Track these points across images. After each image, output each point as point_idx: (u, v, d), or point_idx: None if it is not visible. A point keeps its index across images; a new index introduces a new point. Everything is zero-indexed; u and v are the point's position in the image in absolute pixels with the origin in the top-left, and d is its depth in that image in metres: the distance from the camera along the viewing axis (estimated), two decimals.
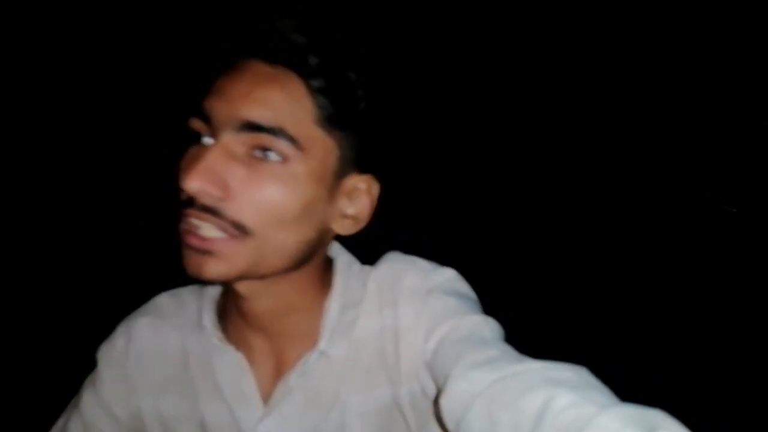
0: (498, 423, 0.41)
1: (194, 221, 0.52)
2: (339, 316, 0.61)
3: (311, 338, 0.61)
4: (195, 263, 0.52)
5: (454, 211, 3.52)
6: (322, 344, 0.59)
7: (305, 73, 0.52)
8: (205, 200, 0.51)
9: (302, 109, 0.52)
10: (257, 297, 0.58)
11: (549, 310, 3.11)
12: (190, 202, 0.51)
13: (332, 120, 0.53)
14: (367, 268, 0.65)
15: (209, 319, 0.63)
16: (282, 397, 0.60)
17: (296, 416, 0.60)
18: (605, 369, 0.53)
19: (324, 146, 0.53)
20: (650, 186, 3.77)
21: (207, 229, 0.52)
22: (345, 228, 0.59)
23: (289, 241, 0.54)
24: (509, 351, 0.50)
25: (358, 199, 0.59)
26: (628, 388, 0.44)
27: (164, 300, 0.70)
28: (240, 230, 0.52)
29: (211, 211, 0.51)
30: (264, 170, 0.51)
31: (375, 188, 0.60)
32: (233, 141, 0.51)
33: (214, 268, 0.52)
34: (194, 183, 0.49)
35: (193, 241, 0.52)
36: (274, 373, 0.62)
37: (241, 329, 0.62)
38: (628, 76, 3.61)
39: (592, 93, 3.65)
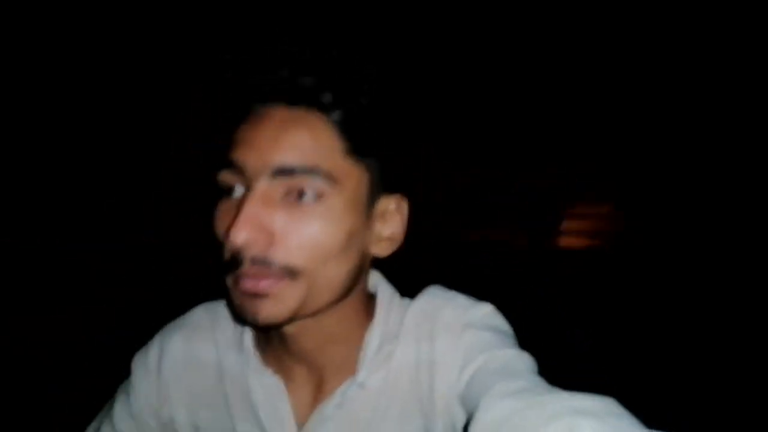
0: None
1: (246, 272, 0.52)
2: (377, 348, 0.62)
3: (349, 368, 0.62)
4: (250, 308, 0.53)
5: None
6: (361, 376, 0.60)
7: (324, 110, 0.53)
8: (253, 251, 0.52)
9: (329, 145, 0.53)
10: (303, 333, 0.59)
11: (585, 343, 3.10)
12: (237, 258, 0.52)
13: (357, 149, 0.55)
14: (406, 301, 0.66)
15: (249, 340, 0.65)
16: (317, 425, 0.61)
17: None
18: (638, 403, 0.53)
19: (355, 176, 0.55)
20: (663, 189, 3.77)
21: (247, 275, 0.53)
22: (383, 250, 0.61)
23: (336, 274, 0.55)
24: (539, 382, 0.51)
25: (392, 219, 0.60)
26: (659, 421, 0.44)
27: (200, 314, 0.71)
28: (291, 273, 0.53)
29: (260, 262, 0.52)
30: (303, 211, 0.52)
31: (405, 206, 0.61)
32: (269, 188, 0.52)
33: (269, 311, 0.53)
34: (240, 234, 0.50)
35: (248, 285, 0.53)
36: (311, 401, 0.63)
37: (281, 356, 0.63)
38: (639, 78, 3.61)
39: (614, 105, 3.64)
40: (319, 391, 0.62)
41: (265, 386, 0.62)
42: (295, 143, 0.52)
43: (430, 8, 3.11)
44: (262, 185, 0.52)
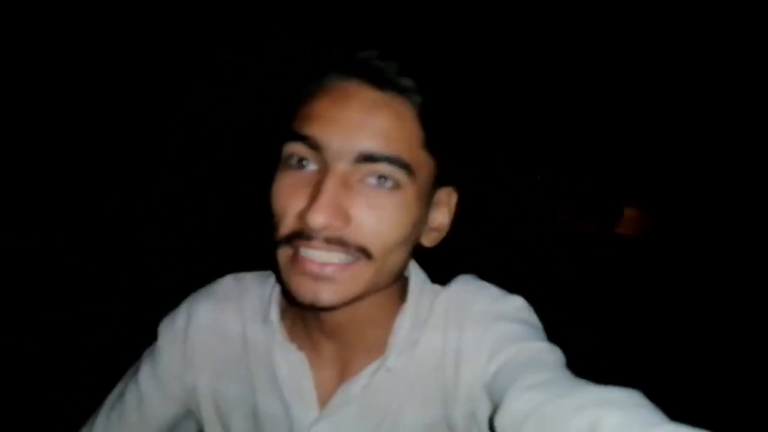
0: None
1: (312, 251, 0.52)
2: (408, 331, 0.62)
3: (377, 350, 0.62)
4: (311, 290, 0.53)
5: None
6: (390, 360, 0.60)
7: (408, 97, 0.53)
8: (328, 232, 0.51)
9: (411, 135, 0.53)
10: (342, 313, 0.59)
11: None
12: (307, 234, 0.52)
13: (434, 142, 0.55)
14: (437, 287, 0.66)
15: (275, 313, 0.64)
16: (341, 404, 0.61)
17: (350, 425, 0.61)
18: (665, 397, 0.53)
19: (427, 168, 0.55)
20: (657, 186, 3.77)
21: (327, 256, 0.52)
22: (431, 240, 0.61)
23: (398, 261, 0.56)
24: (566, 375, 0.51)
25: (441, 210, 0.61)
26: (685, 414, 0.44)
27: (228, 284, 0.70)
28: (364, 255, 0.53)
29: (336, 242, 0.52)
30: (381, 198, 0.53)
31: (454, 198, 0.62)
32: (350, 171, 0.52)
33: (331, 295, 0.53)
34: (320, 218, 0.50)
35: (312, 268, 0.52)
36: (335, 380, 0.63)
37: (311, 332, 0.63)
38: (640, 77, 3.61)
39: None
40: (345, 371, 0.63)
41: (290, 361, 0.62)
42: (381, 130, 0.51)
43: (434, 9, 3.12)
44: (343, 168, 0.51)
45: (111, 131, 2.85)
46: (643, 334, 3.07)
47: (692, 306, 3.25)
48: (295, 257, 0.53)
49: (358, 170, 0.52)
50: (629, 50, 3.46)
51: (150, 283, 2.74)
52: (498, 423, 0.48)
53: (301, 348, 0.63)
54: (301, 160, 0.53)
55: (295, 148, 0.53)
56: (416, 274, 0.66)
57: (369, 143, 0.51)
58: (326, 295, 0.52)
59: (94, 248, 2.79)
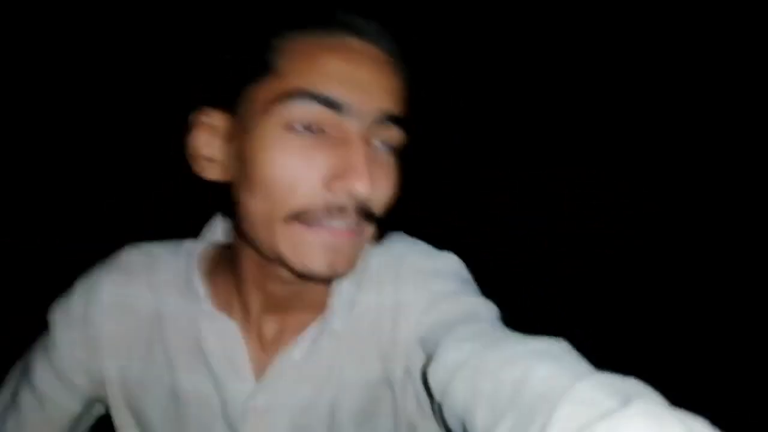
0: (479, 392, 0.41)
1: (341, 222, 0.49)
2: (349, 291, 0.60)
3: (315, 312, 0.60)
4: (328, 261, 0.50)
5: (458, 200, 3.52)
6: (335, 323, 0.58)
7: (402, 61, 0.53)
8: (362, 201, 0.50)
9: (404, 97, 0.53)
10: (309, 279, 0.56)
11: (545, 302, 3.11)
12: (335, 203, 0.49)
13: (410, 107, 0.55)
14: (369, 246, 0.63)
15: (198, 282, 0.60)
16: (280, 372, 0.58)
17: (290, 393, 0.58)
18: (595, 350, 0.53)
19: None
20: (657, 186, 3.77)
21: (355, 224, 0.50)
22: None
23: None
24: (499, 327, 0.51)
25: None
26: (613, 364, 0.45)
27: (132, 256, 0.64)
28: (370, 219, 0.52)
29: (365, 213, 0.50)
30: (388, 161, 0.52)
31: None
32: (374, 134, 0.50)
33: (346, 264, 0.51)
34: (368, 187, 0.47)
35: (341, 238, 0.49)
36: (271, 348, 0.59)
37: (247, 301, 0.59)
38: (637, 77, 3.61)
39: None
40: (281, 338, 0.60)
41: (220, 332, 0.58)
42: (396, 90, 0.50)
43: (433, 10, 3.11)
44: (369, 131, 0.49)
45: (111, 131, 2.84)
46: (642, 334, 3.06)
47: (692, 306, 3.25)
48: (314, 228, 0.49)
49: (378, 132, 0.51)
50: (628, 49, 3.46)
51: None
52: (430, 374, 0.48)
53: (231, 317, 0.59)
54: (308, 123, 0.49)
55: (308, 110, 0.48)
56: None
57: (390, 104, 0.50)
58: (342, 264, 0.50)
59: (94, 248, 2.78)
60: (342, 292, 0.59)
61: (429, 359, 0.50)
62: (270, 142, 0.48)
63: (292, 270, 0.52)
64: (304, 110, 0.48)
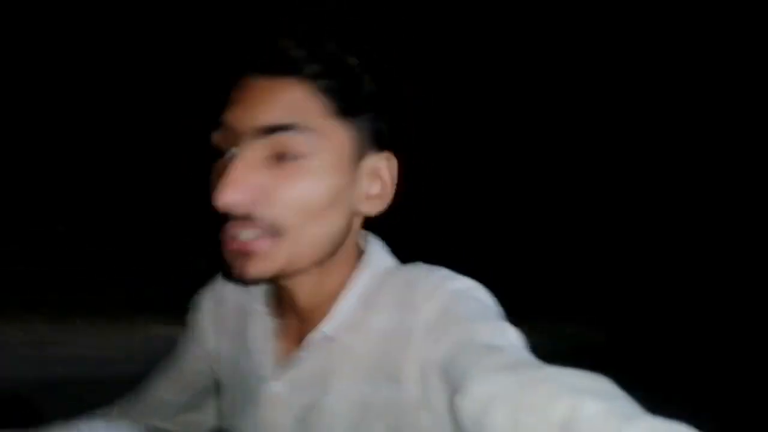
0: (522, 427, 0.42)
1: (233, 230, 0.55)
2: (354, 306, 0.63)
3: (320, 318, 0.63)
4: (237, 266, 0.56)
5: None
6: (326, 327, 0.61)
7: (310, 78, 0.56)
8: (240, 210, 0.54)
9: (312, 106, 0.56)
10: (294, 287, 0.62)
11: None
12: (225, 216, 0.55)
13: (342, 111, 0.57)
14: (392, 266, 0.66)
15: (257, 287, 0.70)
16: (286, 368, 0.63)
17: (297, 390, 0.63)
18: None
19: (339, 135, 0.57)
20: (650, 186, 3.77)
21: (246, 234, 0.55)
22: (373, 207, 0.62)
23: (321, 232, 0.58)
24: (530, 357, 0.51)
25: (380, 177, 0.61)
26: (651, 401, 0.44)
27: None
28: (276, 231, 0.55)
29: (248, 218, 0.55)
30: (288, 169, 0.55)
31: (394, 163, 0.62)
32: (255, 148, 0.55)
33: (255, 268, 0.56)
34: (226, 198, 0.53)
35: (234, 246, 0.56)
36: (291, 344, 0.66)
37: (280, 301, 0.68)
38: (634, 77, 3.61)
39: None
40: (298, 338, 0.65)
41: (259, 325, 0.67)
42: (278, 103, 0.55)
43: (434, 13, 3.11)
44: (248, 145, 0.55)
45: (112, 132, 2.85)
46: (642, 334, 3.07)
47: (692, 306, 3.25)
48: (225, 240, 0.56)
49: (264, 144, 0.55)
50: (628, 48, 3.46)
51: (150, 283, 2.74)
52: (463, 404, 0.48)
53: (271, 315, 0.68)
54: (223, 149, 0.57)
55: (216, 138, 0.58)
56: (371, 250, 0.66)
57: (268, 116, 0.54)
58: (249, 269, 0.55)
59: (94, 248, 2.79)
60: (343, 302, 0.62)
61: (455, 387, 0.49)
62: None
63: None
64: (215, 138, 0.59)
